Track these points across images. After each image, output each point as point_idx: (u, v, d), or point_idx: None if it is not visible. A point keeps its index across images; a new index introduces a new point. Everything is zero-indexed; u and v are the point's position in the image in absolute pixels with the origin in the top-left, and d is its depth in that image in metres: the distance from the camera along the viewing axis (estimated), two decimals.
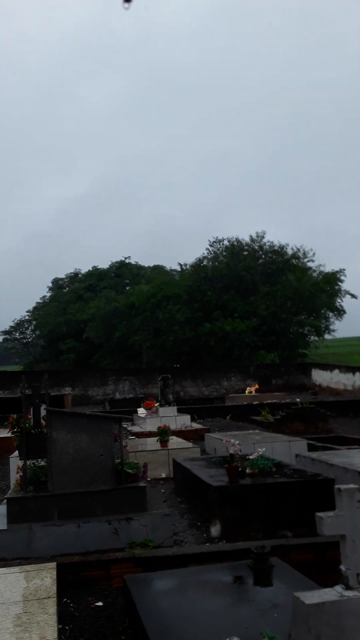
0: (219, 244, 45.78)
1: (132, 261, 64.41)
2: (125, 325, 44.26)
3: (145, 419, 14.90)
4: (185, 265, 48.42)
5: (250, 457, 7.16)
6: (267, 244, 44.50)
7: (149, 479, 6.70)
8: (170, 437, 11.06)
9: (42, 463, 6.09)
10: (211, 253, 45.78)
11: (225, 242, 45.63)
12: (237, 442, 6.91)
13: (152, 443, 11.06)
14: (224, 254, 44.94)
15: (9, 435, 9.13)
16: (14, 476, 6.99)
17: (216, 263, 43.90)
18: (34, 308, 64.98)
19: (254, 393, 24.85)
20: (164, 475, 9.86)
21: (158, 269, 57.80)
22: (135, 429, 14.39)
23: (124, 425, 13.34)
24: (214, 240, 46.07)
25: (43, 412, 6.27)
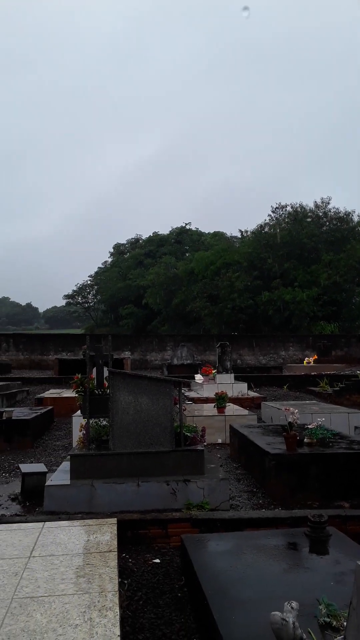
0: (282, 210, 44.84)
1: (193, 227, 64.15)
2: (184, 292, 44.38)
3: (203, 385, 15.02)
4: (246, 232, 47.83)
5: (309, 426, 7.10)
6: (332, 211, 43.22)
7: (205, 444, 6.77)
8: (227, 404, 11.12)
9: (104, 422, 6.26)
10: (273, 220, 44.93)
11: (289, 209, 44.65)
12: (297, 410, 6.85)
13: (209, 409, 11.16)
14: (286, 220, 44.00)
15: (73, 395, 9.40)
16: (77, 434, 7.23)
17: (278, 230, 43.03)
18: (96, 273, 66.14)
19: (312, 364, 24.51)
20: (220, 441, 9.96)
21: (218, 236, 57.32)
22: (192, 394, 14.53)
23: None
24: (277, 206, 45.15)
25: (106, 373, 6.41)
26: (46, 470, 6.49)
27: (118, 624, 2.84)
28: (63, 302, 74.50)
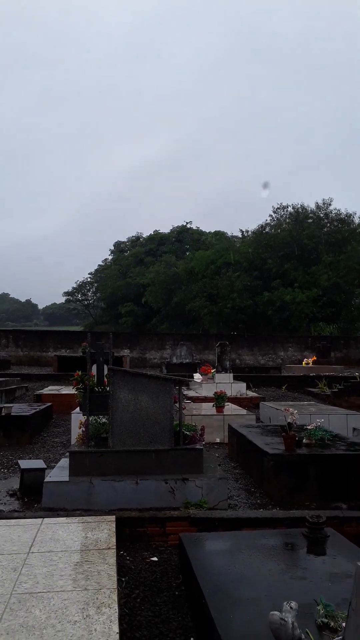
0: (283, 211, 44.78)
1: (194, 226, 64.08)
2: (184, 291, 44.34)
3: (202, 384, 15.03)
4: (247, 231, 47.76)
5: (308, 427, 7.11)
6: (333, 212, 43.18)
7: (204, 443, 6.78)
8: (226, 404, 11.12)
9: (104, 420, 6.26)
10: (274, 220, 44.88)
11: (290, 209, 44.58)
12: (296, 411, 6.86)
13: (208, 408, 11.16)
14: (287, 221, 43.95)
15: (72, 392, 9.39)
16: (76, 431, 7.24)
17: (279, 230, 43.01)
18: (96, 270, 66.06)
19: (311, 364, 24.52)
20: (218, 440, 9.97)
21: (219, 235, 57.27)
22: (191, 393, 14.53)
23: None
24: (278, 206, 45.08)
25: (106, 371, 6.41)
26: (45, 466, 6.49)
27: (117, 621, 2.85)
28: (62, 299, 74.53)
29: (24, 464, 6.63)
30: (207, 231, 62.33)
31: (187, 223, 64.08)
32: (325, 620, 3.01)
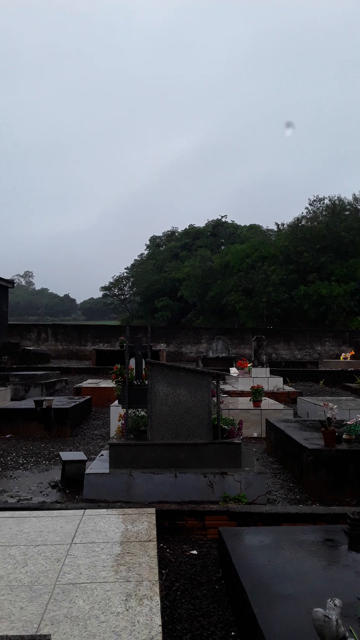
0: (320, 203, 44.14)
1: (229, 220, 63.80)
2: (219, 285, 44.23)
3: (238, 378, 14.99)
4: (283, 225, 47.29)
5: (348, 422, 7.00)
6: None
7: (242, 437, 6.76)
8: (263, 398, 11.06)
9: (142, 413, 6.31)
10: (310, 212, 44.29)
11: (326, 201, 43.91)
12: (335, 406, 6.77)
13: (244, 402, 11.12)
14: (324, 213, 43.28)
15: (110, 385, 9.48)
16: (114, 424, 7.32)
17: (315, 223, 42.39)
18: (132, 265, 66.51)
19: (349, 359, 24.14)
20: (255, 435, 9.93)
21: (254, 229, 56.90)
22: (227, 387, 14.51)
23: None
24: (314, 199, 44.48)
25: (144, 365, 6.45)
26: (86, 458, 6.59)
27: (159, 613, 2.87)
28: (100, 294, 75.24)
29: (65, 455, 6.75)
30: (242, 225, 62.00)
31: (222, 217, 63.90)
32: None
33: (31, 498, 5.96)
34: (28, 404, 10.56)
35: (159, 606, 2.96)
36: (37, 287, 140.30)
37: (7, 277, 29.82)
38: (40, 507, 5.20)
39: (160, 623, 2.77)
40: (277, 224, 48.79)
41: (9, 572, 3.41)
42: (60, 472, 6.60)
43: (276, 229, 49.14)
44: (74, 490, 6.18)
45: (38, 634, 2.63)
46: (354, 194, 43.86)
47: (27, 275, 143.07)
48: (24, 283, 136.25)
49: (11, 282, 28.96)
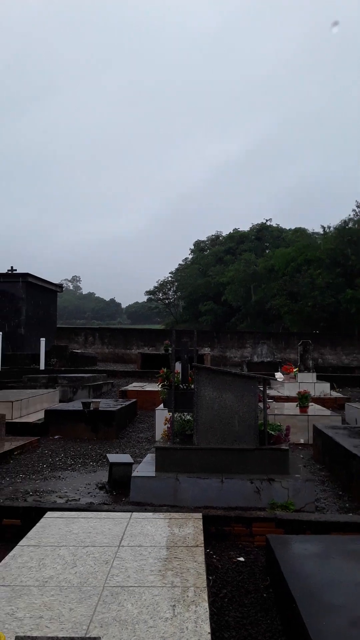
0: None
1: (273, 224, 63.30)
2: (264, 289, 43.90)
3: (283, 383, 14.79)
4: (329, 228, 46.57)
5: None
6: None
7: (289, 443, 6.65)
8: (310, 404, 10.88)
9: (188, 417, 6.30)
10: (358, 215, 43.44)
11: None
12: None
13: (290, 408, 10.96)
14: None
15: (155, 388, 9.49)
16: (160, 427, 7.33)
17: None
18: (176, 269, 66.86)
19: None
20: (302, 441, 9.76)
21: (299, 232, 56.20)
22: (273, 392, 14.34)
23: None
24: None
25: (189, 369, 6.44)
26: (132, 461, 6.63)
27: (208, 620, 2.84)
28: (144, 298, 75.97)
29: (113, 458, 6.80)
30: (287, 228, 61.36)
31: (266, 220, 63.50)
32: None
33: (79, 499, 6.03)
34: (76, 405, 10.72)
35: (208, 613, 2.93)
36: (84, 291, 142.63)
37: (56, 281, 30.44)
38: (88, 508, 5.25)
39: (209, 630, 2.73)
40: (322, 227, 48.15)
41: (59, 573, 3.45)
42: (107, 473, 6.66)
43: (322, 232, 48.44)
44: (120, 492, 6.22)
45: (88, 636, 2.64)
46: None
47: (75, 279, 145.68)
48: (71, 287, 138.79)
49: (60, 286, 29.57)
